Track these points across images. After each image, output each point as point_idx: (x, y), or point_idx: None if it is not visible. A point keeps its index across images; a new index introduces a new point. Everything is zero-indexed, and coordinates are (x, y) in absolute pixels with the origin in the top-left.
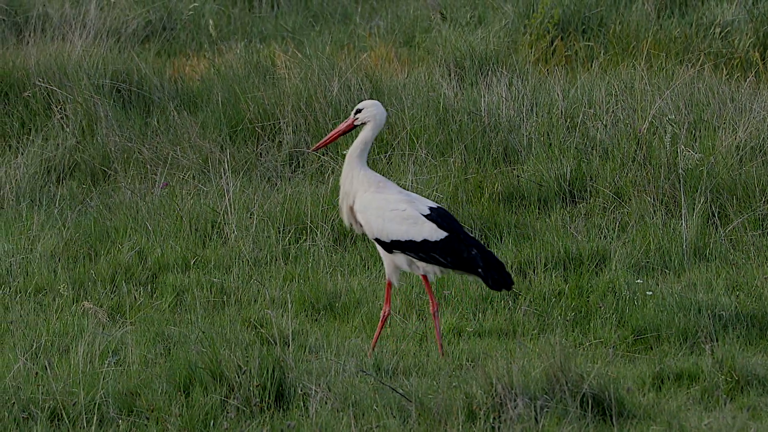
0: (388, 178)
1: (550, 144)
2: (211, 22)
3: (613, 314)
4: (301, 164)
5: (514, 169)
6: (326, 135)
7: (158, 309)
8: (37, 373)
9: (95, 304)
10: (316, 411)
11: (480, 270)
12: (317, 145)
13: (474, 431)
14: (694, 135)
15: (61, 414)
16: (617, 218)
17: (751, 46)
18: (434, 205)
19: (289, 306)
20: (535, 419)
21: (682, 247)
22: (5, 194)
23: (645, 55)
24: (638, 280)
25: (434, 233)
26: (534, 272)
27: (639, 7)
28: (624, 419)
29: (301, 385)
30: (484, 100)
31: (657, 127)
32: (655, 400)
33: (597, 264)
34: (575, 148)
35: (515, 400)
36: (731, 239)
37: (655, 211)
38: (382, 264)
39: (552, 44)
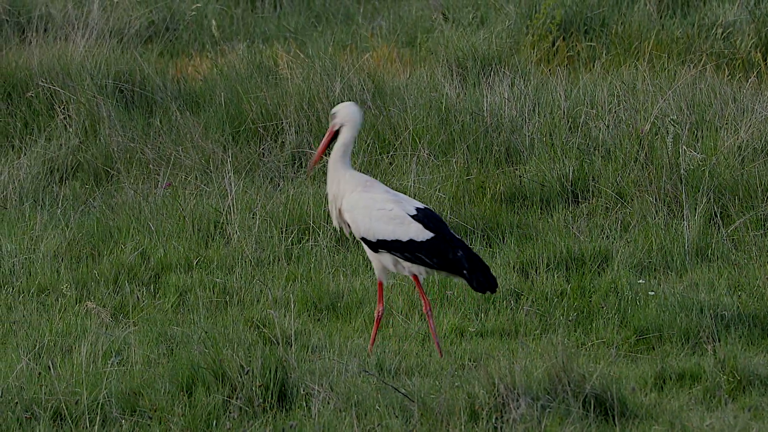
0: (390, 179)
1: (553, 144)
2: (213, 22)
3: (615, 314)
4: (303, 164)
5: (517, 169)
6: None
7: (161, 309)
8: (40, 373)
9: (98, 304)
10: (319, 411)
11: (465, 272)
12: (311, 163)
13: (476, 431)
14: (696, 135)
15: (64, 414)
16: (619, 218)
17: (753, 47)
18: (421, 205)
19: (292, 306)
20: (538, 419)
21: (684, 247)
22: (8, 194)
23: (647, 56)
24: (640, 281)
25: (420, 233)
26: (536, 272)
27: (641, 8)
28: (626, 419)
29: (303, 385)
30: (487, 101)
31: (659, 128)
32: (657, 400)
33: (599, 264)
34: (577, 148)
35: (518, 400)
36: (733, 239)
37: (657, 212)
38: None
39: (554, 45)
